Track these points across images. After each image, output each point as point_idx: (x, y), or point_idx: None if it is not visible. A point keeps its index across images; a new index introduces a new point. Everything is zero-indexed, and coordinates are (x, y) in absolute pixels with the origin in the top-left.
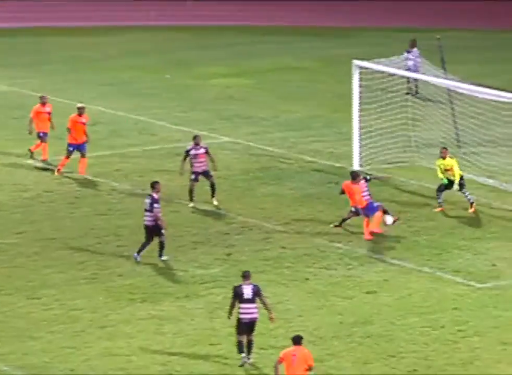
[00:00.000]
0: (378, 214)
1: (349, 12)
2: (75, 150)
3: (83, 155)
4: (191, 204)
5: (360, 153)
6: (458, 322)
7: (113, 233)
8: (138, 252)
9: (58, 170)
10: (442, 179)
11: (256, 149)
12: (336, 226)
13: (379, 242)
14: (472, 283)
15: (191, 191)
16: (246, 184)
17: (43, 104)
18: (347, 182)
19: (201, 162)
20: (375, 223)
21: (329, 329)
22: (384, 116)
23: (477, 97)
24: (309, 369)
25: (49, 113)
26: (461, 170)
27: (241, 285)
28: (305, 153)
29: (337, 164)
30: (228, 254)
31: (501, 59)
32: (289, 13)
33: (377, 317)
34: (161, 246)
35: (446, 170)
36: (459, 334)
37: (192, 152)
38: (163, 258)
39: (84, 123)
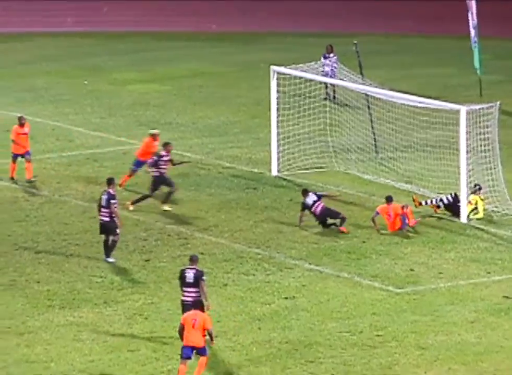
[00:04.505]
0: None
1: (262, 17)
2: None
3: None
4: (131, 208)
5: (278, 159)
6: (376, 327)
7: (31, 239)
8: (107, 254)
9: None
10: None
11: (175, 155)
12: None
13: (298, 248)
14: (390, 288)
15: (146, 197)
16: (164, 190)
17: None
18: (382, 206)
19: (165, 168)
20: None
21: (248, 335)
22: (302, 121)
23: (394, 102)
24: (208, 333)
25: None
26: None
27: (185, 269)
28: (223, 159)
29: (255, 170)
30: (147, 260)
31: (410, 64)
32: (200, 19)
33: (296, 323)
34: (112, 245)
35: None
36: (377, 339)
37: (164, 158)
38: (110, 259)
39: None
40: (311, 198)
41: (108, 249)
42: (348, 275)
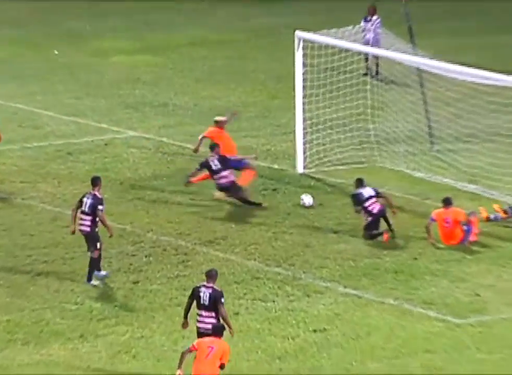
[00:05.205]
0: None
1: None
2: None
3: None
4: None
5: (305, 152)
6: (430, 368)
7: None
8: (97, 269)
9: None
10: None
11: (171, 146)
12: None
13: (330, 266)
14: (449, 317)
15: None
16: (157, 192)
17: None
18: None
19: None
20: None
21: None
22: (335, 104)
23: (455, 78)
24: (221, 367)
25: None
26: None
27: (200, 287)
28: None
29: (275, 166)
30: (135, 282)
31: (482, 30)
32: None
33: (327, 363)
34: (93, 264)
35: None
36: None
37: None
38: (93, 282)
39: None
40: (367, 191)
41: (90, 268)
42: (395, 302)
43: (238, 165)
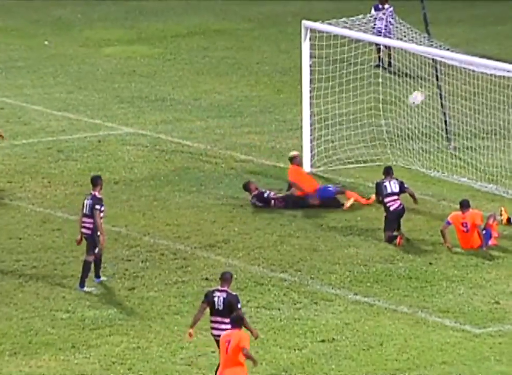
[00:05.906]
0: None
1: None
2: None
3: None
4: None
5: (312, 150)
6: None
7: None
8: (96, 275)
9: None
10: None
11: (169, 143)
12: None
13: (339, 272)
14: (467, 327)
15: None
16: (155, 192)
17: None
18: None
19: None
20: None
21: None
22: (345, 98)
23: (473, 71)
24: (244, 353)
25: None
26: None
27: (213, 291)
28: (236, 149)
29: (281, 165)
30: (131, 289)
31: (503, 18)
32: None
33: None
34: (84, 268)
35: None
36: None
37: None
38: (86, 288)
39: None
40: (392, 186)
41: (83, 273)
42: (409, 310)
43: (329, 194)
